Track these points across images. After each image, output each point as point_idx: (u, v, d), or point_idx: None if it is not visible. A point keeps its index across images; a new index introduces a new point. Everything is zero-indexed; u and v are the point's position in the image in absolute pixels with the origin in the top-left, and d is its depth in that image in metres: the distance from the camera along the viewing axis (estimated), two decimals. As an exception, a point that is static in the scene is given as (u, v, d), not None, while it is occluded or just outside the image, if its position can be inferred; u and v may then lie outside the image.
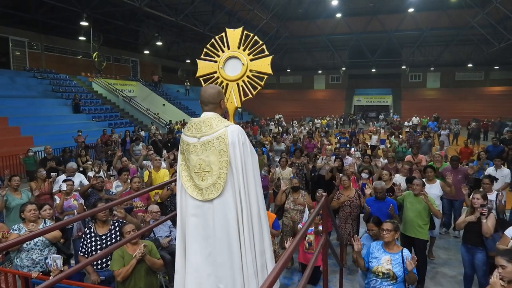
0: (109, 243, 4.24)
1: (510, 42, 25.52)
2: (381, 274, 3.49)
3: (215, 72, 3.16)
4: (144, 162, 7.83)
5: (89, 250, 4.22)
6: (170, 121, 23.37)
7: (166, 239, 5.00)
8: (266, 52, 3.01)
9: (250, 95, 3.00)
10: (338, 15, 29.73)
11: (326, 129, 22.34)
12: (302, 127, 21.48)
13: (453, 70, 38.56)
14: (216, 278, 2.38)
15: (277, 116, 31.87)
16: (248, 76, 3.00)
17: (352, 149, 10.90)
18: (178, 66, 35.94)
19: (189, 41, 31.66)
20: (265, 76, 2.98)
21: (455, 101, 35.87)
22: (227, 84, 3.09)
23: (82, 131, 14.47)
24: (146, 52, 29.60)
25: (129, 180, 6.24)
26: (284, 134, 16.71)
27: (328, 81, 44.15)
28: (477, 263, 4.46)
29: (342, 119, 33.69)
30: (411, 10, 28.80)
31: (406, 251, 3.58)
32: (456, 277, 5.37)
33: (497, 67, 35.99)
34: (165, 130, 20.33)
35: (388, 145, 12.08)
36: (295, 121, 27.98)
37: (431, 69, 38.39)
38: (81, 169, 9.22)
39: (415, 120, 26.85)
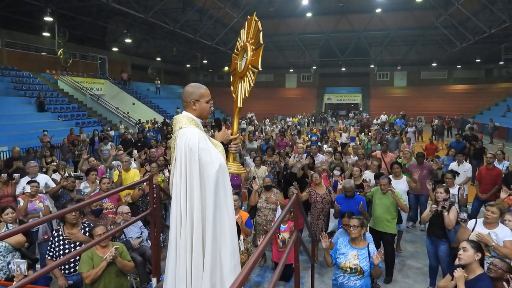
0: (78, 246, 4.12)
1: (471, 42, 26.70)
2: (348, 270, 3.58)
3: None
4: (114, 162, 7.66)
5: (58, 253, 4.08)
6: (139, 120, 22.92)
7: (137, 240, 4.92)
8: (261, 42, 2.55)
9: (246, 94, 2.62)
10: (309, 14, 30.06)
11: (298, 127, 22.56)
12: (274, 126, 21.61)
13: (418, 69, 40.00)
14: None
15: (249, 115, 31.91)
16: (248, 72, 2.59)
17: (325, 146, 11.09)
18: (149, 64, 35.24)
19: (159, 39, 31.11)
20: (256, 71, 2.57)
21: (421, 99, 37.23)
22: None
23: (47, 130, 13.96)
24: (115, 49, 28.80)
25: (97, 181, 6.08)
26: (256, 133, 16.77)
27: (299, 80, 44.66)
28: (441, 255, 4.66)
29: (313, 117, 34.17)
30: (378, 10, 29.55)
31: (372, 246, 3.70)
32: (422, 269, 5.59)
33: (459, 66, 37.65)
34: (135, 129, 19.93)
35: (358, 143, 12.37)
36: (267, 120, 28.11)
37: (398, 68, 39.60)
38: (44, 170, 8.89)
39: (383, 117, 27.59)
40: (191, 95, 2.42)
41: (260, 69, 2.52)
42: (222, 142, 2.52)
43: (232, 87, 2.85)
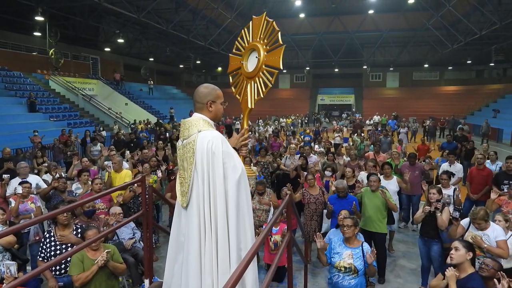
0: (70, 247, 4.07)
1: (462, 44, 26.98)
2: (343, 269, 3.60)
3: (240, 68, 2.76)
4: (106, 162, 7.60)
5: (49, 254, 4.04)
6: (134, 120, 22.80)
7: (129, 241, 4.88)
8: (280, 42, 2.50)
9: (261, 95, 2.54)
10: (302, 15, 30.15)
11: (292, 128, 22.61)
12: (268, 126, 21.64)
13: (410, 70, 40.38)
14: None
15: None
16: (262, 72, 2.53)
17: (316, 146, 11.13)
18: (141, 64, 35.07)
19: (152, 39, 30.98)
20: (276, 72, 2.51)
21: (413, 100, 37.58)
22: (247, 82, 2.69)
23: (38, 131, 13.81)
24: (107, 49, 28.61)
25: (89, 182, 6.03)
26: (250, 133, 16.78)
27: (292, 81, 44.83)
28: (433, 255, 4.68)
29: (306, 118, 34.28)
30: (371, 11, 29.74)
31: (366, 245, 3.71)
32: (414, 269, 5.62)
33: (451, 68, 38.08)
34: (127, 129, 19.81)
35: (351, 143, 12.43)
36: (260, 120, 28.11)
37: (390, 69, 39.91)
38: (36, 171, 8.80)
39: (376, 118, 27.73)
40: (207, 96, 2.29)
41: (281, 68, 2.48)
42: (234, 147, 2.43)
43: (233, 88, 2.76)
